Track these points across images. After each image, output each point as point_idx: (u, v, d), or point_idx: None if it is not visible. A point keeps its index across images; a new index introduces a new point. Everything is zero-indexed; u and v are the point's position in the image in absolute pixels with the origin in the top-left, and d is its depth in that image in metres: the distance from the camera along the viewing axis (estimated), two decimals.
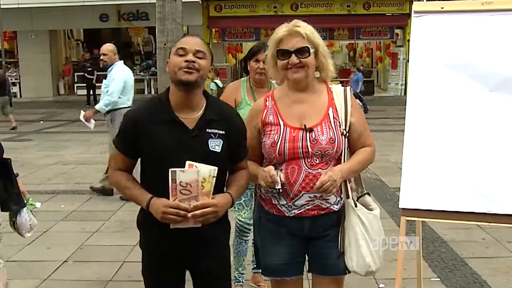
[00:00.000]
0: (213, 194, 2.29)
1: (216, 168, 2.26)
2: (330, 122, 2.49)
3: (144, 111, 2.43)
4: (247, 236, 3.87)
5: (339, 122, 2.50)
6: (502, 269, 4.51)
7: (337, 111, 2.52)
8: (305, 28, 2.51)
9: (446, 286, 4.18)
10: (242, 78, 3.97)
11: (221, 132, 2.36)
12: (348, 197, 2.53)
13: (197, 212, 2.23)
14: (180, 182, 2.21)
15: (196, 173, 2.22)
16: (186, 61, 2.30)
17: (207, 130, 2.35)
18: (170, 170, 2.20)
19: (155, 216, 2.27)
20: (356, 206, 2.51)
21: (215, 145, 2.34)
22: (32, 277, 4.47)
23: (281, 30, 2.51)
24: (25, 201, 3.33)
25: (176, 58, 2.33)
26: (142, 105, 2.49)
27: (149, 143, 2.33)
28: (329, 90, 2.58)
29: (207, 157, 2.30)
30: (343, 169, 2.46)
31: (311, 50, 2.48)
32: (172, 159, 2.24)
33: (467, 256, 4.78)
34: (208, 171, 2.25)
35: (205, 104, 2.41)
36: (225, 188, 2.46)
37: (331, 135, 2.47)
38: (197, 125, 2.34)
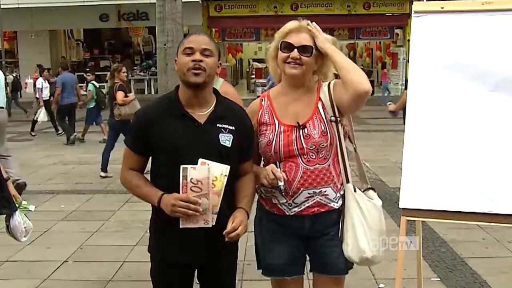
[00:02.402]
0: (224, 191, 2.29)
1: (229, 167, 2.27)
2: (321, 115, 2.51)
3: (154, 108, 2.46)
4: None
5: (327, 112, 2.51)
6: (502, 269, 4.51)
7: (323, 102, 2.52)
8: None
9: (446, 286, 4.18)
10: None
11: (231, 127, 2.38)
12: (348, 181, 2.54)
13: (232, 234, 2.27)
14: (191, 179, 2.21)
15: (207, 171, 2.22)
16: (193, 60, 2.31)
17: (218, 125, 2.37)
18: (181, 166, 2.20)
19: (165, 211, 2.27)
20: (355, 191, 2.52)
21: (226, 139, 2.36)
22: (32, 277, 4.47)
23: (292, 23, 2.53)
24: (17, 205, 3.30)
25: (184, 58, 2.34)
26: (152, 103, 2.52)
27: (160, 138, 2.35)
28: (319, 88, 2.59)
29: (218, 152, 2.32)
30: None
31: (315, 52, 2.48)
32: (183, 153, 2.26)
33: (467, 256, 4.78)
34: (220, 169, 2.25)
35: (215, 101, 2.43)
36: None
37: (323, 127, 2.48)
38: (207, 120, 2.37)
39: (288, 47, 2.48)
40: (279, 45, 2.51)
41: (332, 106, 2.51)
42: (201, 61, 2.32)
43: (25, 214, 3.39)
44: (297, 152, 2.47)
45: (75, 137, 12.04)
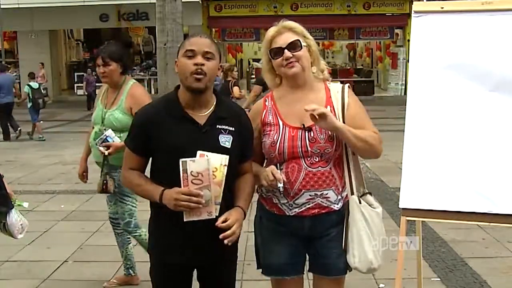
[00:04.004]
0: (223, 191, 2.30)
1: (228, 156, 2.28)
2: None
3: (154, 109, 2.46)
4: (116, 229, 4.21)
5: (337, 120, 2.51)
6: (502, 269, 4.51)
7: (334, 109, 2.52)
8: (295, 24, 2.53)
9: (446, 286, 4.18)
10: None
11: (231, 128, 2.38)
12: (352, 193, 2.54)
13: (228, 232, 2.26)
14: (191, 172, 2.22)
15: (207, 162, 2.23)
16: (195, 64, 2.30)
17: (217, 126, 2.37)
18: (180, 160, 2.21)
19: (168, 206, 2.27)
20: (360, 202, 2.52)
21: (225, 140, 2.36)
22: (32, 277, 4.48)
23: (271, 30, 2.54)
24: (13, 203, 3.31)
25: (185, 61, 2.32)
26: (152, 104, 2.51)
27: (160, 139, 2.35)
28: (327, 88, 2.58)
29: (218, 153, 2.32)
30: (343, 125, 2.45)
31: (303, 44, 2.49)
32: (183, 155, 2.25)
33: (467, 256, 4.78)
34: (219, 160, 2.27)
35: (215, 102, 2.43)
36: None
37: (330, 133, 2.47)
38: (207, 121, 2.37)
39: (277, 51, 2.49)
40: (269, 55, 2.52)
41: (343, 117, 2.51)
42: (202, 64, 2.30)
43: (19, 212, 3.40)
44: (301, 154, 2.47)
45: (19, 133, 13.18)
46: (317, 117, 2.36)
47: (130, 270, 4.27)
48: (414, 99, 2.72)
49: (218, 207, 2.29)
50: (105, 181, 3.95)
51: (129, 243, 4.26)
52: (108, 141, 3.83)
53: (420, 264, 3.08)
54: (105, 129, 3.86)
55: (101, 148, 3.83)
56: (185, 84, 2.36)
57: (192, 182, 2.22)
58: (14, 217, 3.27)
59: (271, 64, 2.56)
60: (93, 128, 4.02)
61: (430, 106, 2.68)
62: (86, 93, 19.51)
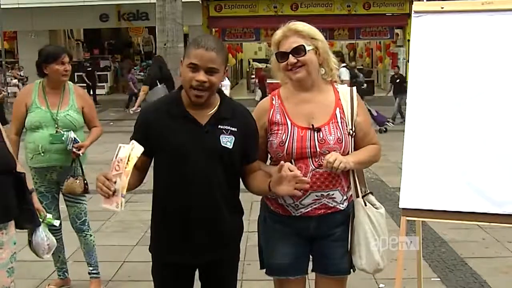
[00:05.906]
0: (229, 197, 2.33)
1: (142, 148, 2.19)
2: (337, 122, 2.50)
3: (156, 108, 2.45)
4: (55, 236, 4.05)
5: (346, 123, 2.51)
6: (502, 269, 4.51)
7: (343, 111, 2.52)
8: (302, 26, 2.52)
9: (446, 286, 4.18)
10: (36, 81, 3.97)
11: (233, 129, 2.37)
12: (357, 196, 2.54)
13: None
14: (118, 157, 2.17)
15: (128, 150, 2.17)
16: (197, 80, 2.26)
17: (219, 126, 2.36)
18: (119, 144, 2.19)
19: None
20: (365, 205, 2.53)
21: (227, 141, 2.34)
22: (32, 277, 4.47)
23: (277, 33, 2.53)
24: (41, 219, 3.10)
25: (188, 73, 2.28)
26: (154, 103, 2.50)
27: (162, 139, 2.34)
28: (335, 90, 2.58)
29: (219, 153, 2.32)
30: (352, 159, 2.46)
31: (308, 48, 2.47)
32: (183, 154, 2.25)
33: (467, 256, 4.78)
34: (140, 150, 2.18)
35: (219, 103, 2.42)
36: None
37: (339, 135, 2.47)
38: (209, 121, 2.36)
39: (282, 56, 2.49)
40: (276, 58, 2.53)
41: (352, 120, 2.52)
42: (204, 82, 2.26)
43: (48, 230, 3.19)
44: (309, 155, 2.47)
45: None
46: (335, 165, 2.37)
47: (66, 274, 4.28)
48: (414, 99, 2.72)
49: (124, 200, 2.15)
50: (85, 181, 3.99)
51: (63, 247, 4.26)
52: (76, 142, 3.86)
53: (420, 264, 3.08)
54: (62, 131, 3.84)
55: (75, 150, 3.87)
56: (186, 91, 2.34)
57: (115, 168, 2.16)
58: (40, 236, 3.06)
59: (279, 64, 2.55)
60: (22, 131, 3.93)
61: (430, 106, 2.68)
62: (129, 93, 18.46)
